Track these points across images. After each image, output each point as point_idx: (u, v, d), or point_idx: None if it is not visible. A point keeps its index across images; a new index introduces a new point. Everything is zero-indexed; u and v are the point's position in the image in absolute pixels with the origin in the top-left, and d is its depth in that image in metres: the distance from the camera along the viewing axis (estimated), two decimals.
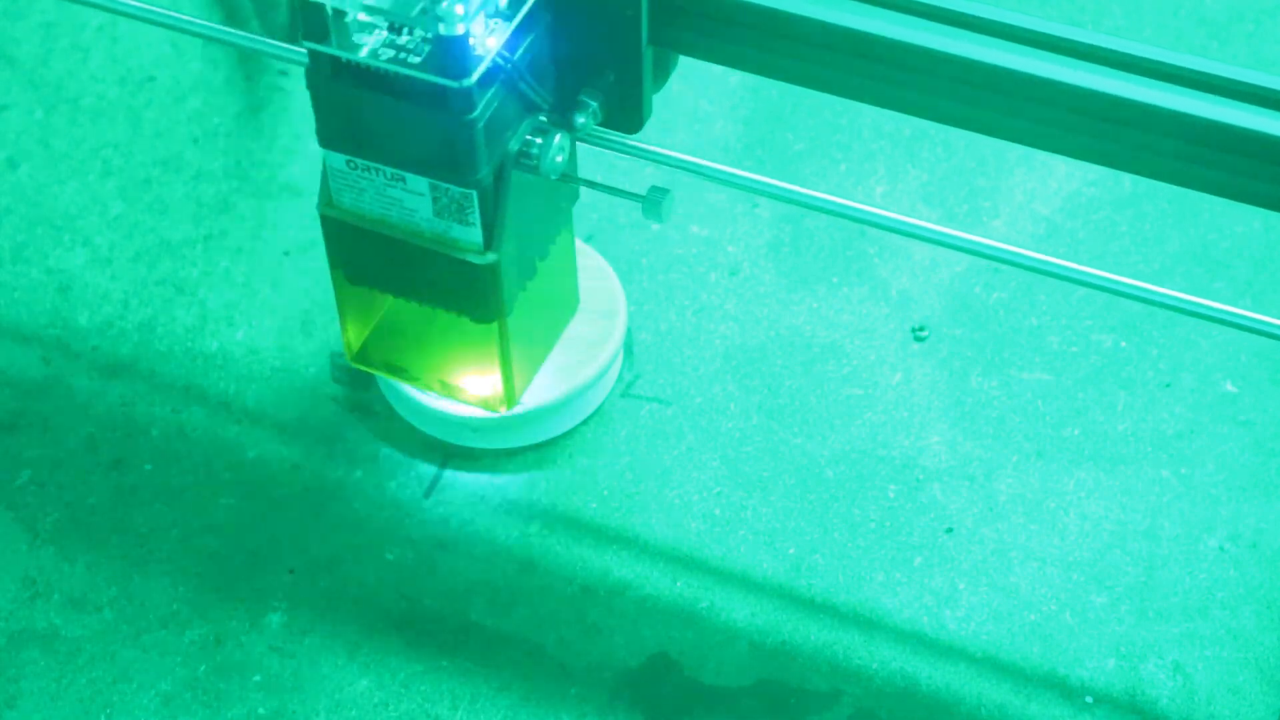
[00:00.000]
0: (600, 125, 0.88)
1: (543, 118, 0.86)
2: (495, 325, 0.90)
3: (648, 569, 0.97)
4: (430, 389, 0.97)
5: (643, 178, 1.12)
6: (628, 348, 1.05)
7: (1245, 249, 1.09)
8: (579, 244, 1.06)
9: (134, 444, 1.02)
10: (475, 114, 0.81)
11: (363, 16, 0.81)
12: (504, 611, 0.96)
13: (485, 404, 0.95)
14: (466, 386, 0.95)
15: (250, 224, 1.12)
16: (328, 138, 0.85)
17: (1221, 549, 0.97)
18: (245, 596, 0.97)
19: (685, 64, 1.17)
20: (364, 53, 0.81)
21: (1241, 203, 0.81)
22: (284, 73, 1.18)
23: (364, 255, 0.90)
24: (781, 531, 0.99)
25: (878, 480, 1.00)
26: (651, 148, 0.90)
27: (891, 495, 1.00)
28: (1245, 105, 0.79)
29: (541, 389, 0.99)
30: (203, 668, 0.94)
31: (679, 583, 0.97)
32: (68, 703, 0.93)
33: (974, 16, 0.81)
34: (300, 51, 0.94)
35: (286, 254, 1.10)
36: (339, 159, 0.86)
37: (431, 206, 0.85)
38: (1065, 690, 0.93)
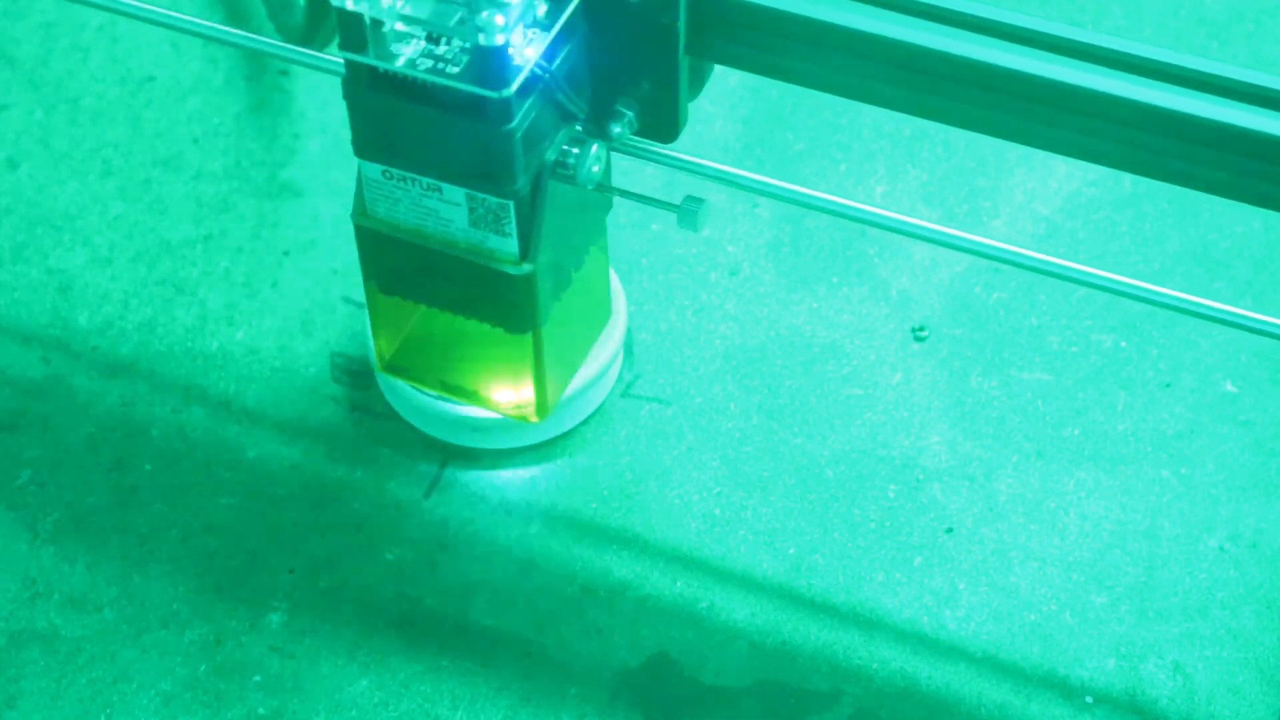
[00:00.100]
0: (635, 134, 0.87)
1: (579, 127, 0.85)
2: (529, 336, 0.90)
3: (648, 569, 0.97)
4: (462, 399, 0.96)
5: (642, 178, 1.12)
6: (628, 348, 1.05)
7: (1245, 249, 1.09)
8: None
9: (134, 444, 1.02)
10: (514, 124, 0.80)
11: (400, 26, 0.80)
12: (504, 611, 0.96)
13: (518, 414, 0.95)
14: (498, 396, 0.95)
15: (250, 224, 1.12)
16: (363, 147, 0.85)
17: (1221, 549, 0.97)
18: (245, 596, 0.97)
19: None
20: (401, 62, 0.80)
21: (1241, 203, 0.81)
22: (284, 73, 1.18)
23: (398, 265, 0.89)
24: (781, 531, 0.98)
25: (878, 480, 1.00)
26: (652, 147, 0.90)
27: (891, 495, 1.00)
28: (1245, 105, 0.79)
29: None
30: (203, 668, 0.94)
31: (679, 583, 0.97)
32: (68, 703, 0.93)
33: (974, 16, 0.81)
34: (300, 51, 0.94)
35: (286, 254, 1.10)
36: (375, 169, 0.85)
37: (468, 217, 0.85)
38: (1065, 690, 0.93)
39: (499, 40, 0.78)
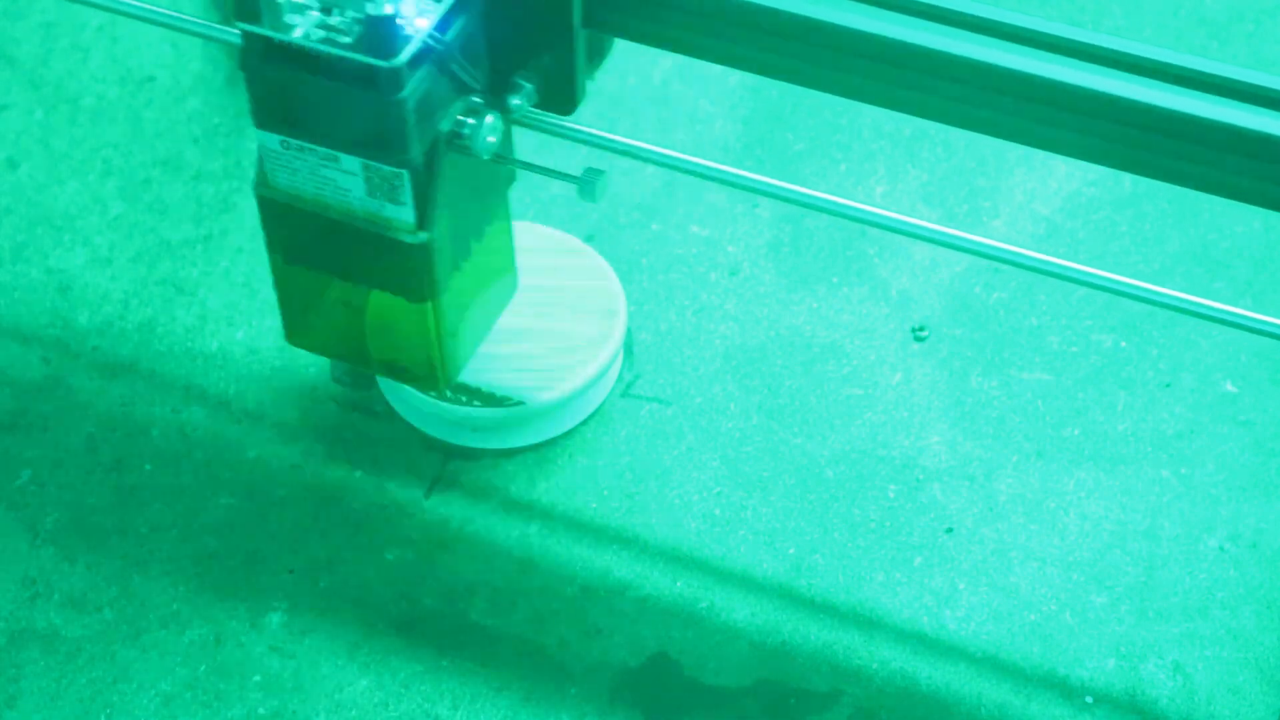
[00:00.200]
0: (535, 107, 0.88)
1: (476, 99, 0.86)
2: (429, 305, 0.90)
3: (648, 569, 0.97)
4: (368, 369, 0.97)
5: (643, 177, 1.12)
6: (628, 348, 1.05)
7: (1245, 249, 1.09)
8: (579, 244, 1.06)
9: (134, 444, 1.02)
10: (405, 94, 0.82)
11: None
12: (504, 611, 0.96)
13: (422, 384, 0.95)
14: (404, 366, 0.95)
15: (250, 224, 1.12)
16: (262, 118, 0.86)
17: (1221, 549, 0.97)
18: (245, 596, 0.97)
19: (685, 64, 1.17)
20: (296, 34, 0.81)
21: (1241, 203, 0.81)
22: None
23: (300, 235, 0.90)
24: (781, 531, 0.99)
25: (878, 480, 1.00)
26: (641, 144, 0.89)
27: (891, 495, 1.00)
28: (1245, 105, 0.78)
29: (541, 389, 0.99)
30: (203, 668, 0.94)
31: (679, 583, 0.97)
32: (68, 703, 0.93)
33: (974, 16, 0.81)
34: None
35: None
36: (273, 139, 0.86)
37: (364, 186, 0.86)
38: (1065, 690, 0.93)
39: (387, 10, 0.79)
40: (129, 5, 0.96)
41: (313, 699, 0.93)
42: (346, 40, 0.81)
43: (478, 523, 0.99)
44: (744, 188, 0.90)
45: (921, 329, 1.06)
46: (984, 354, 1.05)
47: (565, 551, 0.98)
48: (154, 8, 0.96)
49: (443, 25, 0.82)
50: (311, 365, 1.05)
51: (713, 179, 0.89)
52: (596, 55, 0.88)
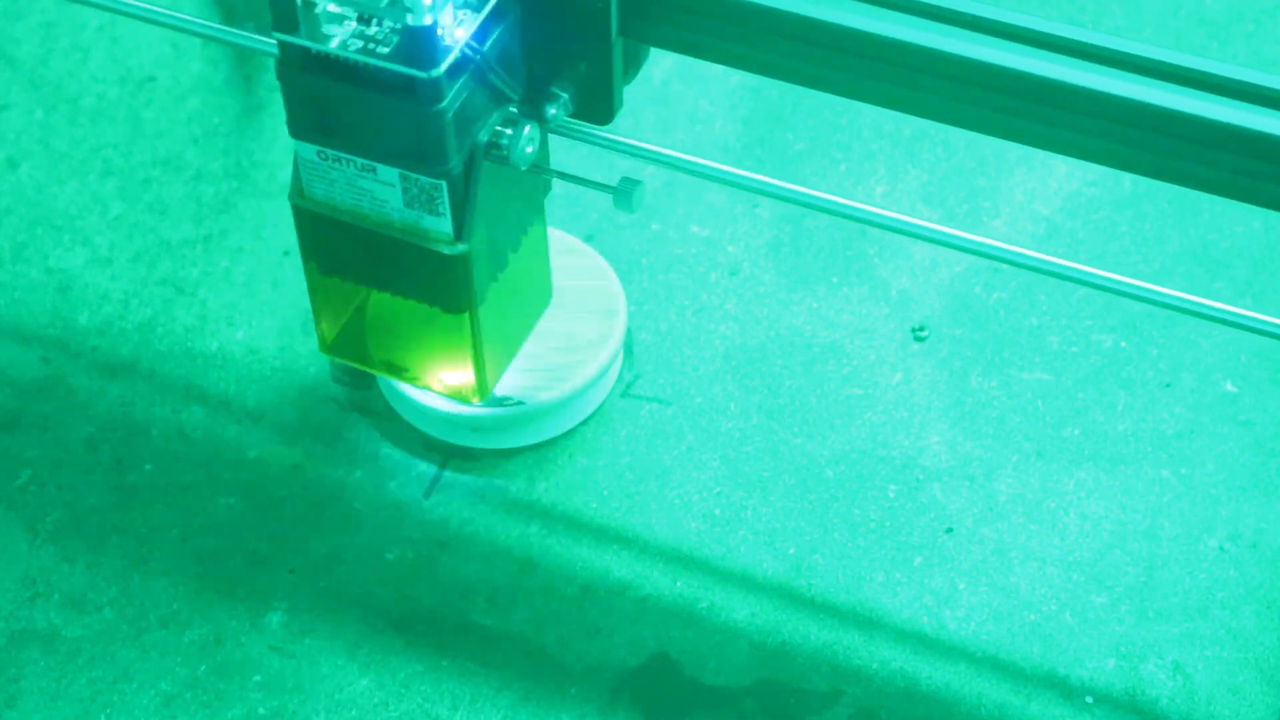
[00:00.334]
0: (571, 116, 0.88)
1: (513, 109, 0.86)
2: (466, 316, 0.90)
3: (648, 569, 0.97)
4: (404, 380, 0.97)
5: (644, 175, 1.12)
6: (628, 348, 1.05)
7: (1245, 249, 1.09)
8: (579, 244, 1.06)
9: (134, 444, 1.02)
10: (444, 104, 0.81)
11: (332, 8, 0.81)
12: (504, 611, 0.96)
13: (458, 395, 0.95)
14: (440, 378, 0.95)
15: (250, 224, 1.12)
16: (298, 128, 0.86)
17: (1221, 549, 0.97)
18: (245, 596, 0.97)
19: (685, 64, 1.17)
20: (334, 44, 0.81)
21: (1241, 203, 0.81)
22: None
23: (336, 246, 0.90)
24: (781, 531, 0.98)
25: (878, 480, 1.00)
26: (652, 147, 0.90)
27: (891, 495, 1.00)
28: (1245, 105, 0.78)
29: (541, 389, 0.99)
30: (203, 668, 0.94)
31: (679, 583, 0.97)
32: (68, 703, 0.93)
33: (974, 16, 0.81)
34: None
35: (286, 254, 1.10)
36: (310, 150, 0.86)
37: (402, 197, 0.86)
38: (1065, 690, 0.93)
39: (427, 20, 0.79)
40: (129, 5, 0.96)
41: (313, 699, 0.93)
42: (385, 50, 0.81)
43: (478, 523, 0.99)
44: (744, 188, 0.90)
45: (921, 329, 1.06)
46: (984, 354, 1.05)
47: (565, 551, 0.98)
48: (154, 8, 0.96)
49: (480, 35, 0.82)
50: (311, 365, 1.05)
51: (713, 179, 0.90)
52: (633, 64, 0.88)
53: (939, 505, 0.99)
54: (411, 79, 0.81)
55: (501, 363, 0.96)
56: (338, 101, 0.83)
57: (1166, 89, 0.79)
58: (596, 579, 0.97)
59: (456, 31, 0.81)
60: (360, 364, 0.97)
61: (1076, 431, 1.02)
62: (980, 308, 1.07)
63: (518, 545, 0.98)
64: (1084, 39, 0.80)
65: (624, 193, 0.89)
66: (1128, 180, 1.11)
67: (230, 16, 1.20)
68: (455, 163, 0.84)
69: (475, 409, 0.98)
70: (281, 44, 0.82)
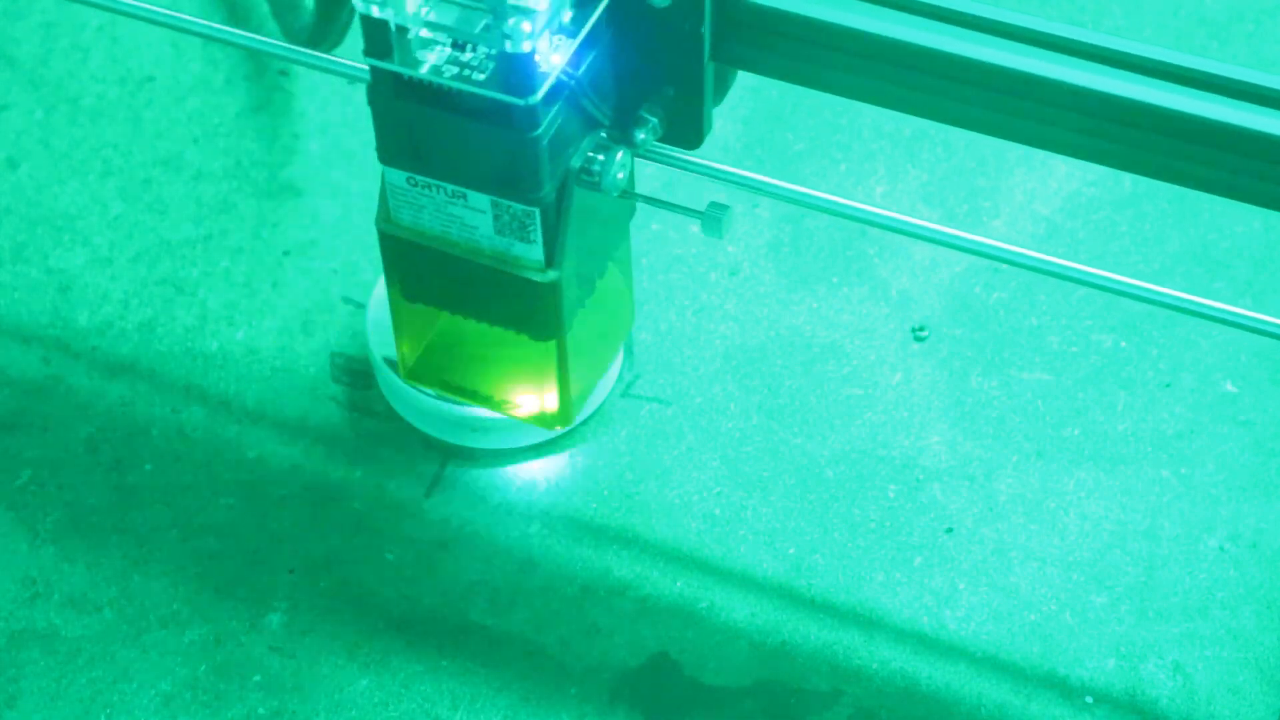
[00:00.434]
0: (659, 141, 0.87)
1: (604, 134, 0.85)
2: (554, 343, 0.89)
3: (648, 569, 0.97)
4: (485, 405, 0.96)
5: (642, 177, 1.12)
6: (628, 348, 1.05)
7: (1245, 249, 1.09)
8: None
9: (134, 444, 1.02)
10: (540, 131, 0.80)
11: (425, 33, 0.79)
12: (504, 611, 0.96)
13: (541, 421, 0.95)
14: (522, 403, 0.95)
15: (250, 224, 1.12)
16: (388, 154, 0.84)
17: (1221, 549, 0.97)
18: (245, 596, 0.97)
19: None
20: (426, 69, 0.80)
21: (1241, 203, 0.81)
22: (284, 72, 1.18)
23: (422, 272, 0.89)
24: (781, 531, 0.98)
25: (878, 480, 1.00)
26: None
27: (891, 495, 1.00)
28: (1245, 105, 0.78)
29: None
30: (203, 668, 0.94)
31: (679, 583, 0.97)
32: (68, 703, 0.93)
33: (975, 16, 0.81)
34: (300, 52, 0.94)
35: (286, 254, 1.10)
36: (399, 176, 0.85)
37: (493, 224, 0.85)
38: (1065, 690, 0.93)
39: (525, 47, 0.77)
40: (129, 5, 0.96)
41: (313, 699, 0.93)
42: (480, 77, 0.79)
43: (478, 523, 0.99)
44: (744, 188, 0.90)
45: (921, 329, 1.06)
46: (984, 354, 1.05)
47: (565, 551, 0.98)
48: (154, 8, 0.96)
49: (575, 61, 0.81)
50: (311, 365, 1.05)
51: (713, 179, 0.90)
52: (721, 88, 0.87)
53: (939, 505, 0.99)
54: (508, 106, 0.79)
55: (587, 387, 0.95)
56: (430, 127, 0.82)
57: (1166, 89, 0.79)
58: (596, 579, 0.97)
59: (553, 57, 0.79)
60: (442, 389, 0.96)
61: (1076, 431, 1.02)
62: (980, 308, 1.07)
63: (518, 545, 0.98)
64: (1084, 39, 0.80)
65: (713, 218, 0.88)
66: (1128, 180, 1.11)
67: (231, 16, 1.20)
68: (549, 189, 0.83)
69: (475, 409, 0.98)
70: (373, 69, 0.81)
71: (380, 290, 1.03)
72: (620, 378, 1.04)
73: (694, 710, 0.93)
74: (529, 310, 0.87)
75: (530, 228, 0.84)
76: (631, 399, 1.04)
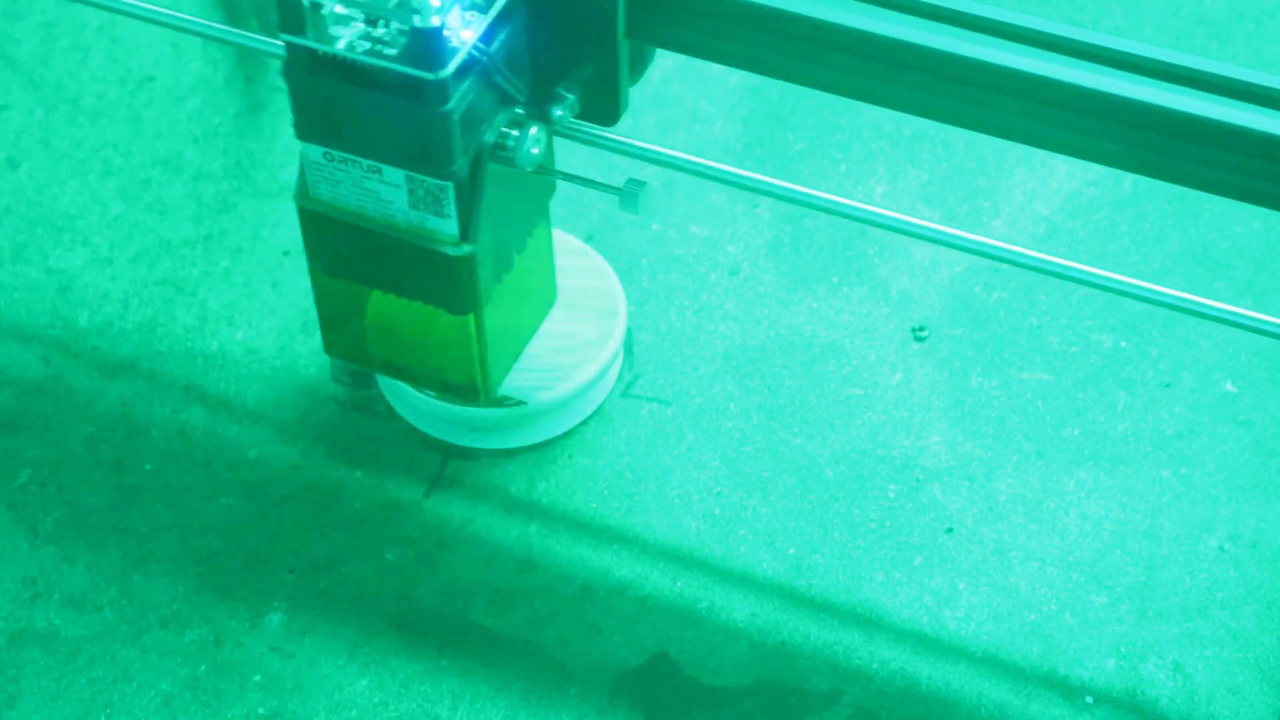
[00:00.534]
0: (578, 118, 0.88)
1: (519, 110, 0.86)
2: (470, 318, 0.90)
3: (648, 569, 0.97)
4: (408, 382, 0.97)
5: (645, 175, 1.12)
6: (628, 348, 1.05)
7: (1245, 249, 1.09)
8: (579, 244, 1.06)
9: (134, 444, 1.02)
10: (450, 106, 0.81)
11: (339, 9, 0.81)
12: (504, 611, 0.96)
13: (463, 396, 0.95)
14: (444, 379, 0.95)
15: (250, 224, 1.12)
16: (305, 130, 0.86)
17: (1221, 549, 0.97)
18: (245, 596, 0.97)
19: (685, 64, 1.17)
20: (340, 45, 0.81)
21: (1241, 202, 0.81)
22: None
23: (340, 247, 0.90)
24: (781, 531, 0.99)
25: (878, 480, 1.00)
26: (653, 147, 0.90)
27: (891, 495, 1.00)
28: (1245, 105, 0.79)
29: (541, 389, 0.99)
30: (203, 668, 0.94)
31: (679, 583, 0.97)
32: (68, 703, 0.93)
33: (974, 16, 0.81)
34: None
35: (286, 254, 1.10)
36: (316, 151, 0.86)
37: (407, 198, 0.86)
38: (1065, 690, 0.93)
39: (434, 22, 0.79)
40: (129, 5, 0.96)
41: (313, 699, 0.93)
42: (392, 52, 0.81)
43: (478, 523, 0.99)
44: (744, 188, 0.90)
45: (921, 329, 1.06)
46: (984, 354, 1.05)
47: (565, 551, 0.98)
48: (154, 8, 0.96)
49: (487, 36, 0.82)
50: (311, 365, 1.05)
51: (713, 179, 0.90)
52: (639, 65, 0.88)
53: (939, 505, 0.99)
54: (418, 80, 0.81)
55: (506, 364, 0.96)
56: (344, 103, 0.83)
57: (1166, 89, 0.79)
58: (596, 579, 0.97)
59: (464, 33, 0.81)
60: (364, 365, 0.97)
61: (1076, 431, 1.02)
62: (980, 308, 1.07)
63: (518, 545, 0.98)
64: (1084, 39, 0.80)
65: (630, 194, 0.89)
66: (1128, 180, 1.11)
67: (231, 16, 1.20)
68: (461, 164, 0.84)
69: (475, 409, 0.98)
70: (289, 45, 0.82)
71: None
72: (620, 378, 1.04)
73: (694, 710, 0.93)
74: (445, 284, 0.88)
75: (444, 202, 0.85)
76: (631, 399, 1.04)
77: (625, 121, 1.18)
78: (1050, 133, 0.82)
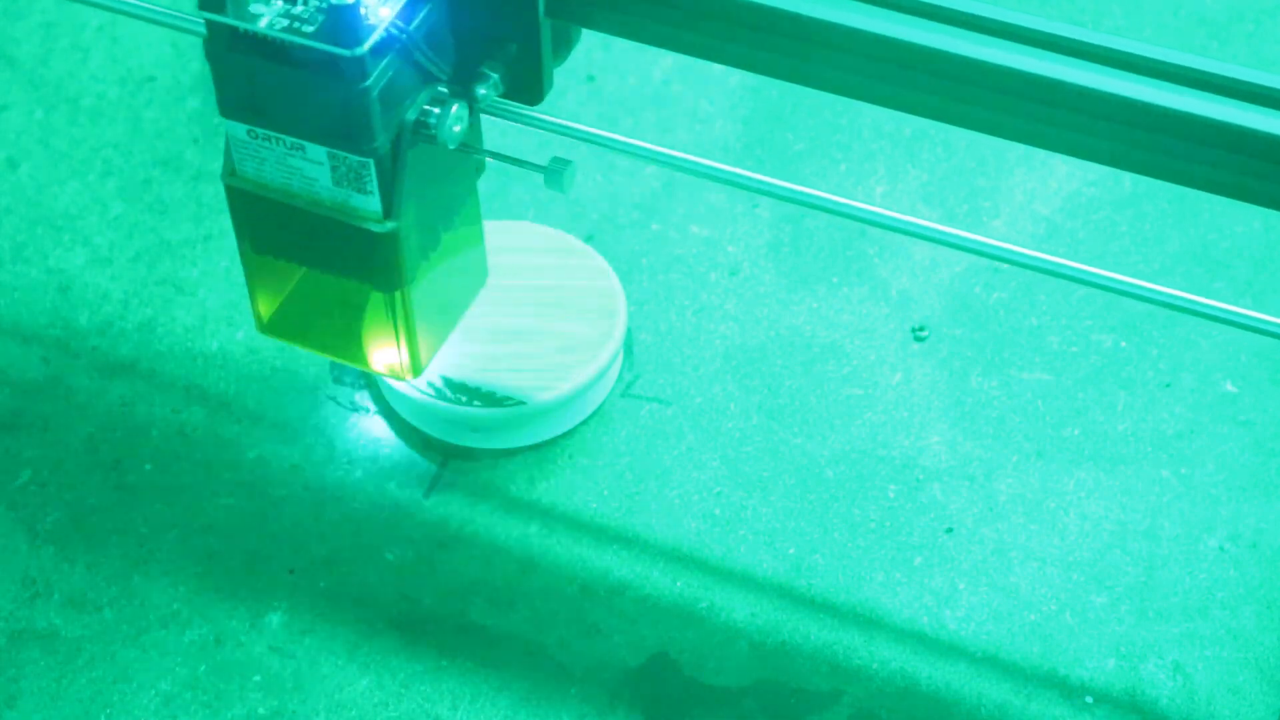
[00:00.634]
0: (503, 97, 0.88)
1: (442, 88, 0.86)
2: (397, 295, 0.90)
3: (648, 569, 0.97)
4: (340, 358, 0.97)
5: (642, 176, 1.12)
6: (628, 348, 1.05)
7: (1245, 249, 1.09)
8: (578, 243, 1.06)
9: (134, 444, 1.02)
10: (368, 82, 0.82)
11: None
12: (504, 611, 0.96)
13: (391, 373, 0.95)
14: (375, 357, 0.95)
15: None
16: (228, 107, 0.86)
17: (1221, 549, 0.97)
18: (245, 596, 0.97)
19: (685, 64, 1.17)
20: (262, 23, 0.81)
21: (1241, 202, 0.81)
22: None
23: (268, 225, 0.90)
24: (781, 531, 0.98)
25: (878, 480, 1.00)
26: (653, 147, 0.89)
27: (891, 495, 1.00)
28: (1245, 105, 0.78)
29: (541, 389, 0.99)
30: (203, 668, 0.94)
31: (679, 583, 0.97)
32: (68, 703, 0.93)
33: (974, 16, 0.81)
34: None
35: None
36: (240, 128, 0.86)
37: (330, 175, 0.86)
38: (1065, 690, 0.93)
39: None
40: (129, 5, 0.96)
41: (313, 699, 0.93)
42: (309, 29, 0.81)
43: (478, 523, 0.99)
44: (744, 187, 0.89)
45: (921, 329, 1.06)
46: (984, 354, 1.05)
47: (565, 551, 0.98)
48: (154, 8, 0.96)
49: (406, 14, 0.82)
50: (311, 365, 1.05)
51: (713, 179, 0.89)
52: (563, 45, 0.88)
53: (939, 505, 0.99)
54: (335, 57, 0.81)
55: (435, 341, 0.96)
56: (265, 80, 0.84)
57: (1166, 89, 0.79)
58: (596, 579, 0.97)
59: (381, 10, 0.82)
60: (297, 343, 0.97)
61: (1076, 431, 1.02)
62: (980, 308, 1.07)
63: (518, 545, 0.98)
64: (1084, 39, 0.80)
65: (554, 172, 0.89)
66: (1128, 180, 1.11)
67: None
68: (382, 141, 0.84)
69: (475, 409, 0.98)
70: (209, 23, 0.83)
71: None
72: (620, 378, 1.04)
73: (694, 710, 0.93)
74: (371, 261, 0.89)
75: (366, 179, 0.85)
76: (631, 399, 1.04)
77: (625, 120, 1.18)
78: (1050, 133, 0.82)
